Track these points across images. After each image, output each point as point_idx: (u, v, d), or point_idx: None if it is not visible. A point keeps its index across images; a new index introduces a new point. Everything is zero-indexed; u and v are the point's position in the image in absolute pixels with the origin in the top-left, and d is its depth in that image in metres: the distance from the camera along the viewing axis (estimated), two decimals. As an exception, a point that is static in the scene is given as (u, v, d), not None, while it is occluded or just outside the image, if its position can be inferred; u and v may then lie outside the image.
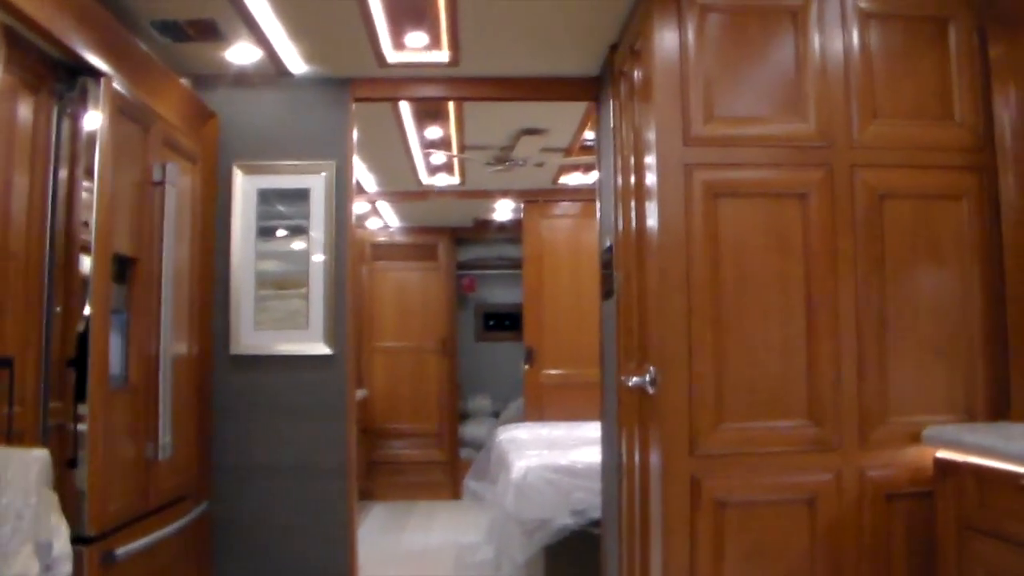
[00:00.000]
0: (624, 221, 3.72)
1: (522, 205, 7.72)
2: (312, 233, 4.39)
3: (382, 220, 8.79)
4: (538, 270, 7.62)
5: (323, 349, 4.35)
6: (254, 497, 4.32)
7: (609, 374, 4.15)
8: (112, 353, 3.27)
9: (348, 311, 4.41)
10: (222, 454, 4.34)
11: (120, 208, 3.27)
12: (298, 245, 4.41)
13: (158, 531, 3.45)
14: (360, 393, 8.46)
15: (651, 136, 3.14)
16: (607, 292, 4.16)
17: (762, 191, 3.11)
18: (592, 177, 7.06)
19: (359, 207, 7.82)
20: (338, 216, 4.41)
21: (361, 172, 6.73)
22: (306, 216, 4.40)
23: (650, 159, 3.16)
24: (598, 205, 4.43)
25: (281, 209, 4.42)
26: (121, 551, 3.10)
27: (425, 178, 7.01)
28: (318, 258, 4.38)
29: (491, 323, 10.28)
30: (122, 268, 3.36)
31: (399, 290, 9.11)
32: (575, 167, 6.81)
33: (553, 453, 5.18)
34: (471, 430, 9.34)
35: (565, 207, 7.66)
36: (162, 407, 3.51)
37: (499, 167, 6.26)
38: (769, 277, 3.07)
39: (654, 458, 3.13)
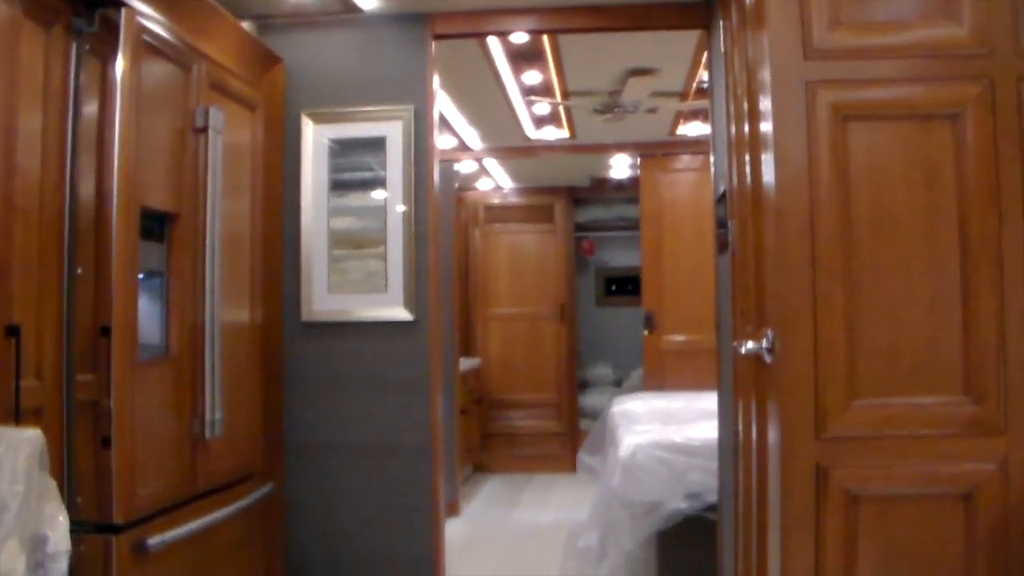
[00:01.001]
0: (738, 163, 3.16)
1: (639, 160, 7.15)
2: (390, 186, 3.96)
3: (493, 181, 8.36)
4: (657, 229, 7.06)
5: (403, 314, 3.92)
6: (329, 477, 3.95)
7: (725, 339, 3.61)
8: (147, 320, 2.91)
9: (431, 272, 3.97)
10: (293, 431, 3.97)
11: (152, 157, 2.89)
12: (375, 199, 3.99)
13: (207, 516, 3.09)
14: (473, 362, 8.10)
15: (764, 48, 2.58)
16: (722, 246, 3.61)
17: (903, 112, 2.50)
18: (713, 125, 6.47)
19: (466, 166, 7.42)
20: (418, 166, 3.96)
21: (463, 128, 6.30)
22: (383, 167, 3.97)
23: (764, 75, 2.59)
24: (712, 149, 3.87)
25: (355, 160, 4.00)
26: (155, 540, 2.74)
27: (532, 132, 6.54)
28: (397, 213, 3.95)
29: (612, 287, 9.76)
30: (159, 225, 2.99)
31: (514, 254, 8.70)
32: (693, 114, 6.22)
33: (668, 428, 4.65)
34: (591, 400, 8.88)
35: (685, 161, 7.06)
36: (209, 380, 3.13)
37: (608, 115, 5.72)
38: (913, 219, 2.47)
39: (772, 439, 2.60)
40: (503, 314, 8.66)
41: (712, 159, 3.87)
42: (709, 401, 5.76)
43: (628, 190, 8.49)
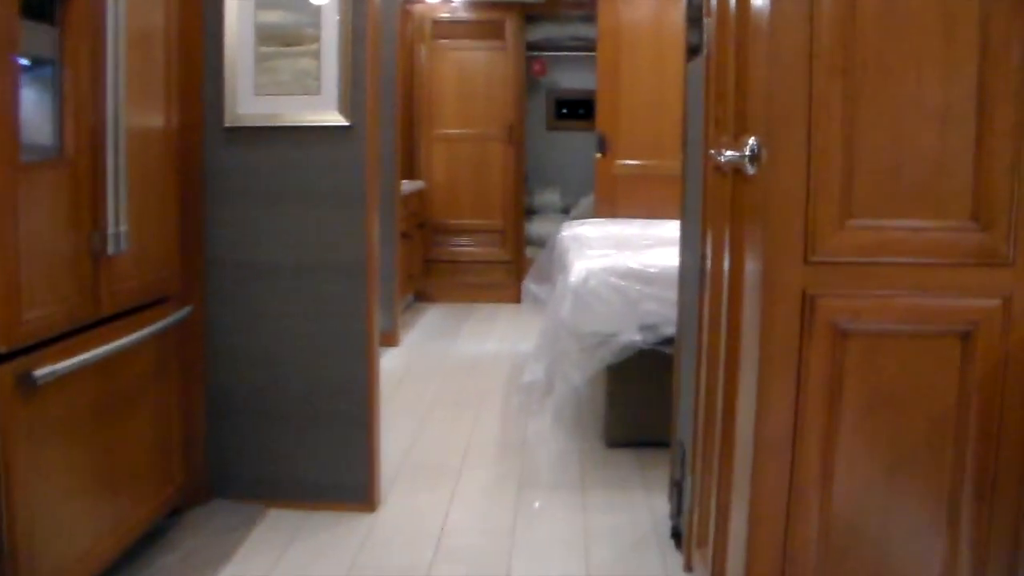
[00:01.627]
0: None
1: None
2: (323, -27, 3.49)
3: (440, -9, 7.78)
4: (615, 47, 6.61)
5: (337, 118, 3.52)
6: (255, 300, 3.62)
7: (693, 156, 3.26)
8: (33, 114, 2.49)
9: (369, 73, 3.54)
10: (215, 248, 3.61)
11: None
12: (307, -10, 3.52)
13: (112, 343, 2.75)
14: (416, 185, 7.73)
15: None
16: (693, 49, 3.23)
17: None
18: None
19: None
20: (352, -52, 3.49)
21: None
22: (316, -50, 3.49)
23: None
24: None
25: (284, -57, 3.52)
26: (44, 371, 2.39)
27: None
28: (332, 5, 3.49)
29: (563, 111, 9.33)
30: (47, 1, 2.53)
31: (462, 72, 8.24)
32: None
33: (622, 254, 4.35)
34: (538, 227, 8.58)
35: (647, -28, 6.57)
36: (112, 187, 2.72)
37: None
38: (927, 11, 2.12)
39: (751, 264, 2.29)
40: (449, 135, 8.26)
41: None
42: (665, 229, 5.49)
43: (586, 5, 7.97)
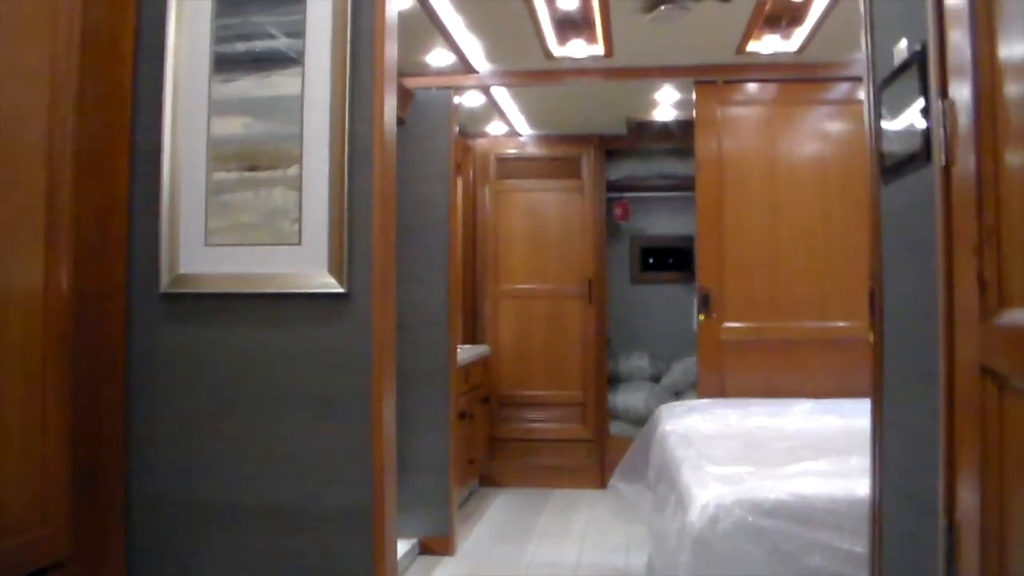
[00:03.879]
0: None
1: (693, 92, 5.45)
2: (309, 63, 2.33)
3: (507, 124, 6.70)
4: (717, 184, 5.36)
5: (327, 282, 2.34)
6: (201, 562, 2.33)
7: (897, 331, 1.95)
8: None
9: (377, 211, 2.34)
10: (143, 481, 2.39)
11: None
12: (284, 86, 2.36)
13: None
14: (479, 351, 6.49)
15: None
16: (903, 161, 1.95)
17: None
18: (795, 42, 4.79)
19: (471, 99, 5.77)
20: (356, 28, 2.33)
21: (462, 34, 4.63)
22: (299, 31, 2.34)
23: None
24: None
25: (255, 21, 2.37)
26: None
27: (555, 46, 4.88)
28: (320, 106, 2.32)
29: (650, 260, 8.06)
30: None
31: (532, 217, 7.09)
32: (772, 23, 4.55)
33: (760, 470, 2.98)
34: (624, 398, 7.22)
35: (754, 91, 5.37)
36: None
37: (658, 10, 4.06)
38: None
39: None
40: (518, 291, 7.06)
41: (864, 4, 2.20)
42: (799, 417, 4.15)
43: (675, 137, 6.84)
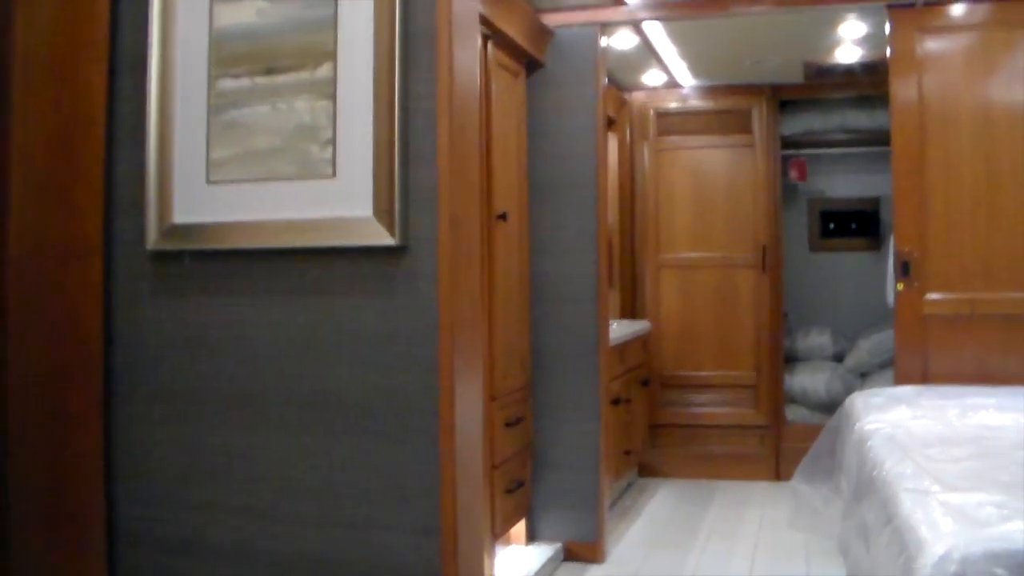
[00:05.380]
0: None
1: (886, 21, 4.59)
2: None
3: (666, 73, 5.96)
4: (918, 130, 4.49)
5: (372, 231, 1.69)
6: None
7: None
8: None
9: (443, 120, 1.71)
10: (129, 512, 1.81)
11: None
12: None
13: None
14: (637, 327, 5.83)
15: None
16: None
17: None
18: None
19: (621, 40, 5.08)
20: None
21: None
22: None
23: None
24: None
25: None
26: None
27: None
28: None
29: (831, 226, 7.17)
30: None
31: (696, 178, 6.39)
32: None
33: (1013, 499, 2.19)
34: (802, 380, 6.43)
35: (963, 14, 4.47)
36: None
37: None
38: None
39: None
40: (682, 260, 6.37)
41: None
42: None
43: (860, 84, 6.00)
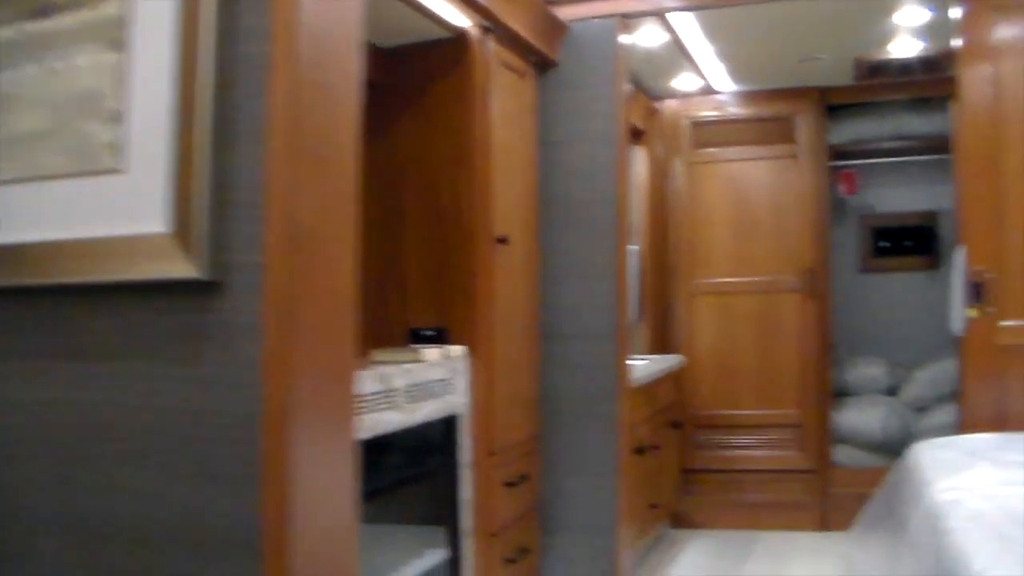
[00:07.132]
0: None
1: (951, 5, 3.97)
2: None
3: (701, 77, 5.38)
4: (991, 131, 3.89)
5: (168, 257, 1.11)
6: None
7: None
8: None
9: (277, 84, 1.10)
10: None
11: None
12: None
13: None
14: (669, 362, 5.25)
15: None
16: None
17: None
18: None
19: (649, 37, 4.51)
20: None
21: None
22: None
23: None
24: None
25: None
26: None
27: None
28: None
29: (884, 244, 6.51)
30: None
31: (735, 193, 5.85)
32: None
33: None
34: (852, 417, 5.76)
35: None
36: None
37: None
38: None
39: None
40: (719, 286, 5.81)
41: None
42: None
43: (917, 84, 5.41)
